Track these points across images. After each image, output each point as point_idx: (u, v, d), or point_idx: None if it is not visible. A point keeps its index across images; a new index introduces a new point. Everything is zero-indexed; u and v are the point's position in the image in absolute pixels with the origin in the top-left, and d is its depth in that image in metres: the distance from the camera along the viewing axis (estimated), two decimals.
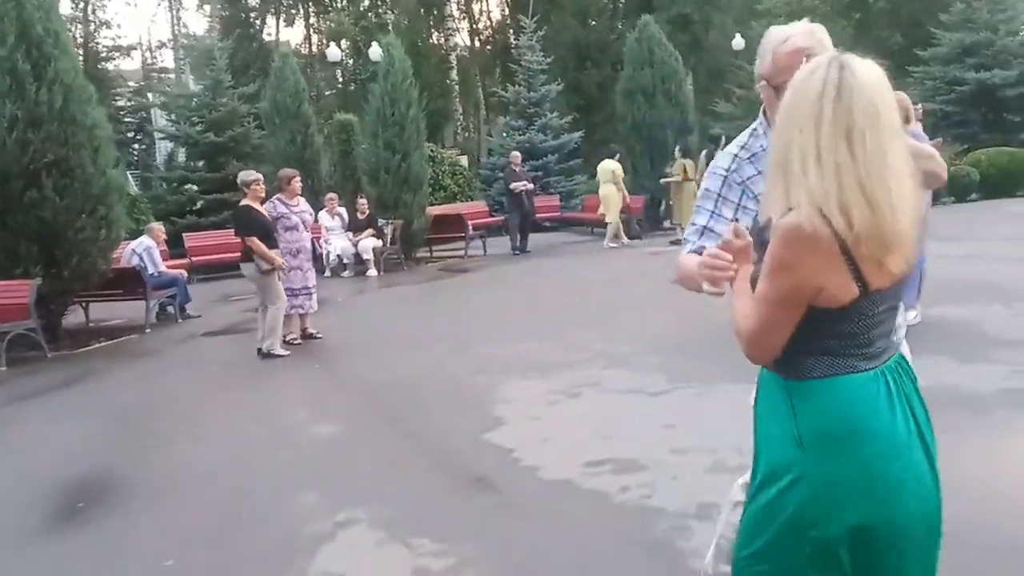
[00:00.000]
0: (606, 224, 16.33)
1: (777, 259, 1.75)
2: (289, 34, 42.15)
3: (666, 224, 17.25)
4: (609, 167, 16.19)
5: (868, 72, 1.76)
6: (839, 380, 1.83)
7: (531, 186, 16.76)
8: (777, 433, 1.90)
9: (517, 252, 16.12)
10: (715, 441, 4.95)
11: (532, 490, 4.56)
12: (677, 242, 14.79)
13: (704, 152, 15.54)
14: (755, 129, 2.43)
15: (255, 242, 8.26)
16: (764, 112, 2.42)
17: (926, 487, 1.87)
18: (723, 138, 13.02)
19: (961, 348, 6.43)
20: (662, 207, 17.42)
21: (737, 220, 2.27)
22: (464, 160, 23.86)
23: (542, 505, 4.34)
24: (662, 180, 16.40)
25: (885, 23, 36.43)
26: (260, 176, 8.78)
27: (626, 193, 16.33)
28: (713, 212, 2.34)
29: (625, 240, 16.32)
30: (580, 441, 5.22)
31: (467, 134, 37.39)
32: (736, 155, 2.37)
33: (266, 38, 39.09)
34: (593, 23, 34.68)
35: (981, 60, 22.65)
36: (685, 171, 15.14)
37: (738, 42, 25.98)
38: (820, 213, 1.69)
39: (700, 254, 2.10)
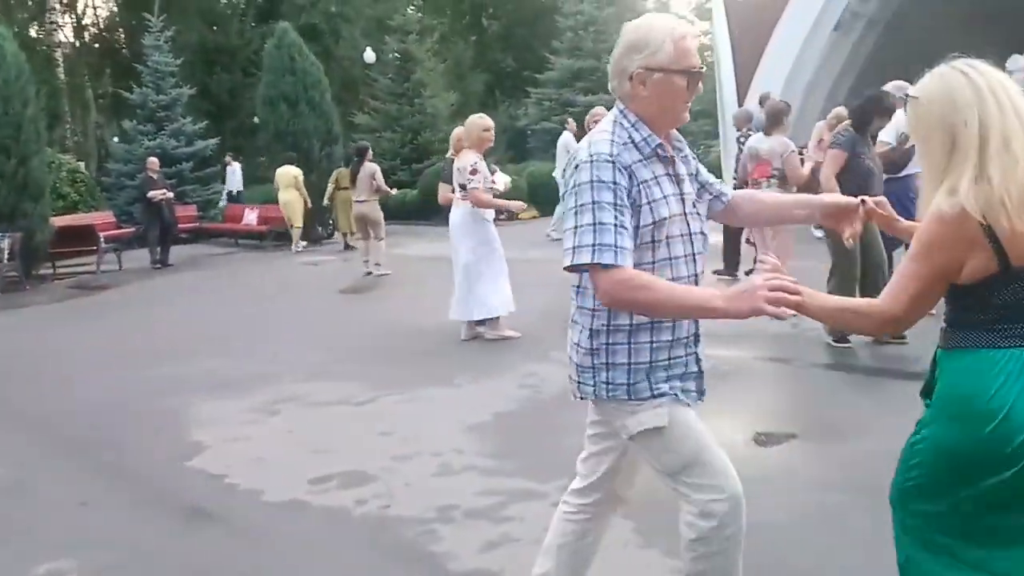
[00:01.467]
0: (291, 230, 16.20)
1: (933, 238, 1.96)
2: None
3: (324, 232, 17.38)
4: (290, 172, 16.08)
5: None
6: (973, 353, 1.97)
7: (171, 194, 15.76)
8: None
9: (159, 265, 15.02)
10: (435, 445, 5.03)
11: (259, 515, 4.29)
12: (350, 247, 14.83)
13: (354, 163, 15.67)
14: (617, 121, 2.40)
15: None
16: (621, 106, 2.41)
17: None
18: (369, 150, 13.23)
19: None
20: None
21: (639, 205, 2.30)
22: (82, 166, 21.71)
23: (276, 529, 4.11)
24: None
25: (499, 47, 39.22)
26: None
27: (308, 198, 16.10)
28: (615, 204, 2.25)
29: (300, 246, 16.19)
30: (297, 459, 5.01)
31: (77, 138, 33.99)
32: (612, 141, 2.33)
33: None
34: (215, 28, 33.27)
35: (588, 84, 25.25)
36: (337, 181, 15.09)
37: (370, 55, 26.45)
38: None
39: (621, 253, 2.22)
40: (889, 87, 6.63)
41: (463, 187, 7.23)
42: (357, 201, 12.69)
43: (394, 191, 12.82)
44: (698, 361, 2.55)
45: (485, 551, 3.70)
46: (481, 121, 7.31)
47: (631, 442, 2.55)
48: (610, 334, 2.43)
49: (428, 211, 21.02)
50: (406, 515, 4.12)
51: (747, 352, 6.60)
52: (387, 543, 3.87)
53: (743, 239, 9.55)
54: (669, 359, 2.45)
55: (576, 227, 2.26)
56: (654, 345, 2.43)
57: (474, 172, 7.10)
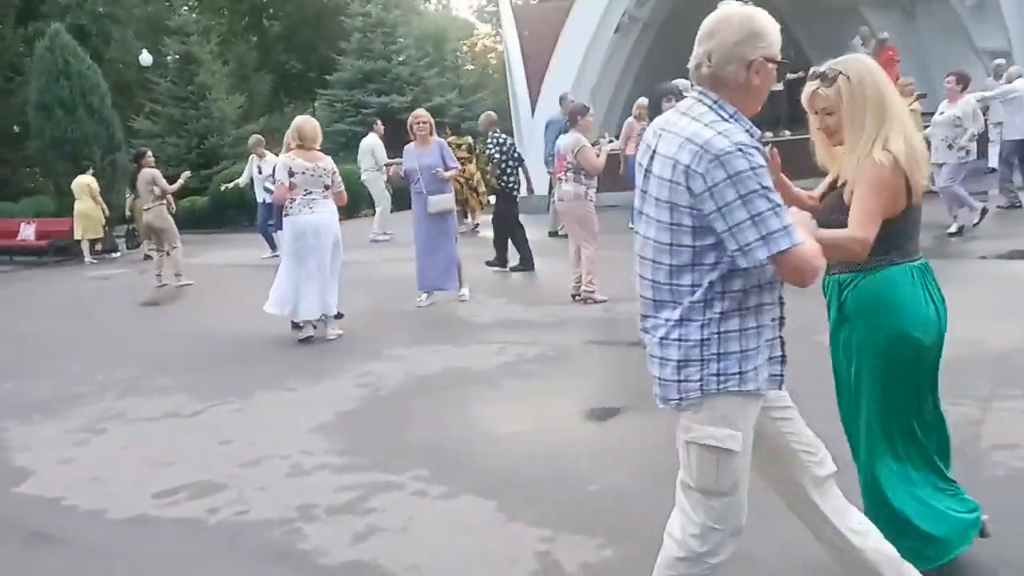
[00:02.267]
0: (79, 242, 15.31)
1: (881, 183, 2.72)
2: None
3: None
4: (84, 182, 15.16)
5: None
6: (888, 269, 2.82)
7: None
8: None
9: None
10: (281, 449, 5.01)
11: (105, 534, 4.13)
12: (150, 257, 14.02)
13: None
14: (716, 110, 2.32)
15: None
16: (714, 96, 2.34)
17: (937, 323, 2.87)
18: (147, 155, 12.66)
19: (455, 335, 7.34)
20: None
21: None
22: None
23: (126, 546, 3.98)
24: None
25: (282, 47, 38.32)
26: None
27: (105, 208, 15.17)
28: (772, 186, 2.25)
29: (92, 259, 15.28)
30: (136, 475, 4.83)
31: None
32: (744, 130, 2.28)
33: None
34: None
35: (380, 86, 25.25)
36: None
37: (146, 57, 25.17)
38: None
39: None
40: (677, 82, 7.15)
41: (327, 187, 7.43)
42: (144, 210, 12.07)
43: (180, 182, 12.10)
44: (782, 344, 2.49)
45: (354, 543, 3.77)
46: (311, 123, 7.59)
47: (686, 444, 2.46)
48: (722, 322, 2.32)
49: (220, 218, 20.37)
50: (266, 517, 4.10)
51: (570, 338, 6.97)
52: (250, 546, 3.85)
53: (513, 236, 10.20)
54: (769, 342, 2.42)
55: (753, 216, 2.18)
56: (759, 329, 2.38)
57: (335, 173, 7.52)
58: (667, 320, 2.38)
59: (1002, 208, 11.31)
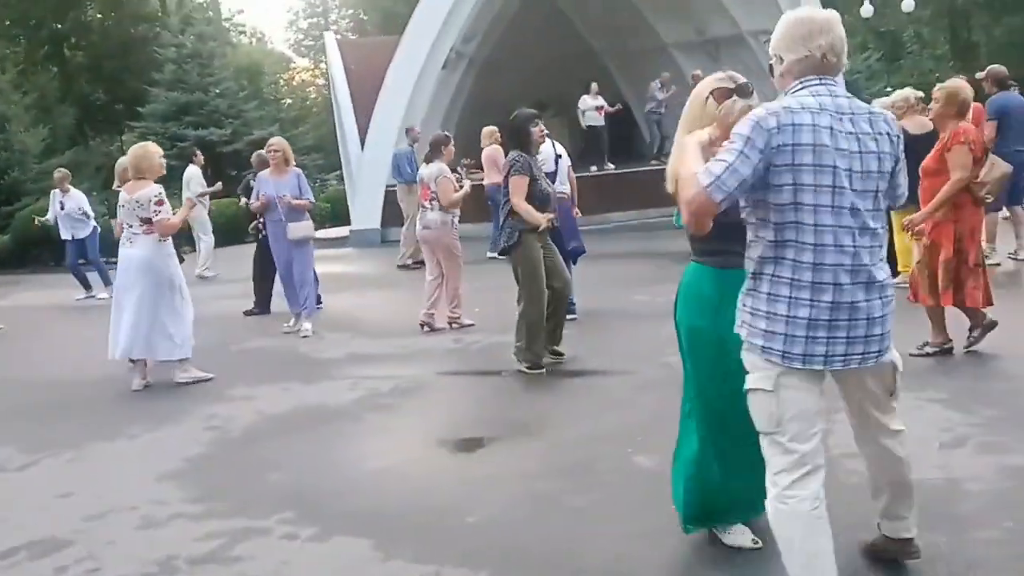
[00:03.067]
0: None
1: None
2: None
3: None
4: None
5: None
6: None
7: None
8: None
9: None
10: (129, 499, 4.67)
11: None
12: None
13: None
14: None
15: None
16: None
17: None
18: None
19: (303, 372, 7.12)
20: None
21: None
22: None
23: None
24: None
25: (86, 79, 36.28)
26: None
27: None
28: None
29: None
30: None
31: None
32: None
33: None
34: None
35: (197, 119, 24.34)
36: None
37: None
38: None
39: None
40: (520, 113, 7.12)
41: (148, 220, 6.81)
42: None
43: None
44: None
45: None
46: (156, 149, 7.13)
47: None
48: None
49: (23, 257, 19.02)
50: (122, 574, 3.82)
51: (423, 369, 6.92)
52: None
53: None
54: None
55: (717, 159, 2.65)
56: None
57: (160, 203, 6.80)
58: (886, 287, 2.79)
59: None
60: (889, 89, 19.12)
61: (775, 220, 2.66)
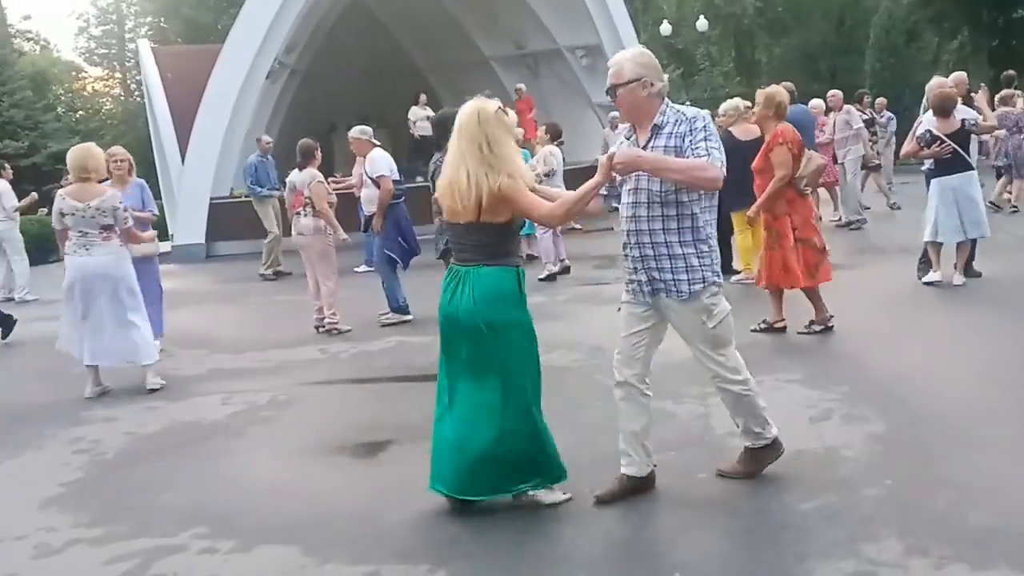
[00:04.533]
0: None
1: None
2: None
3: None
4: None
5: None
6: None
7: None
8: None
9: None
10: (13, 530, 4.38)
11: None
12: None
13: None
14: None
15: None
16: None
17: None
18: None
19: (164, 391, 6.84)
20: None
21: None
22: None
23: None
24: None
25: None
26: None
27: None
28: None
29: None
30: None
31: None
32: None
33: None
34: None
35: None
36: None
37: None
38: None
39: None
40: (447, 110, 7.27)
41: (107, 227, 6.64)
42: None
43: None
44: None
45: None
46: (99, 149, 7.06)
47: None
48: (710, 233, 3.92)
49: None
50: None
51: (294, 380, 6.84)
52: None
53: None
54: None
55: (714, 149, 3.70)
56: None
57: (126, 211, 6.78)
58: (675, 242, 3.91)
59: None
60: (688, 102, 20.47)
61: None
